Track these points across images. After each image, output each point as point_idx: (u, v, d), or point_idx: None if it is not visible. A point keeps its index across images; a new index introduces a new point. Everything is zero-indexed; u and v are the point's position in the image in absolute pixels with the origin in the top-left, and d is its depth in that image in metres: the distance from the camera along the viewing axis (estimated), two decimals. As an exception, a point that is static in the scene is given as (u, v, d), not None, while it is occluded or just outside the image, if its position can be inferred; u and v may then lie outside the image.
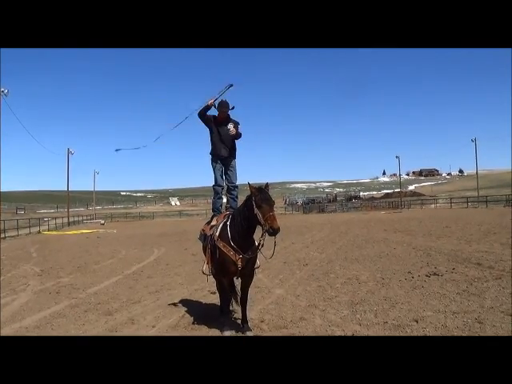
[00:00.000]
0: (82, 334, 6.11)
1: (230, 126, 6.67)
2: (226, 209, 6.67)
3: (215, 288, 6.97)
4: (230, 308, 6.49)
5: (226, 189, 6.86)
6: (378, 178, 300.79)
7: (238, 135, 6.79)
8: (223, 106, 6.61)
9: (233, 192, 6.78)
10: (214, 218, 6.36)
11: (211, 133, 6.73)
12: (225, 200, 6.92)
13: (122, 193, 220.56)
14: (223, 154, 6.68)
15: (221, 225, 5.82)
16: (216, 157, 6.73)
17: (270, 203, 5.17)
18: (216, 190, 6.80)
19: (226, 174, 6.82)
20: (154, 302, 8.16)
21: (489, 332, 5.27)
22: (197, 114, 6.72)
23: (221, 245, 5.57)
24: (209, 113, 6.72)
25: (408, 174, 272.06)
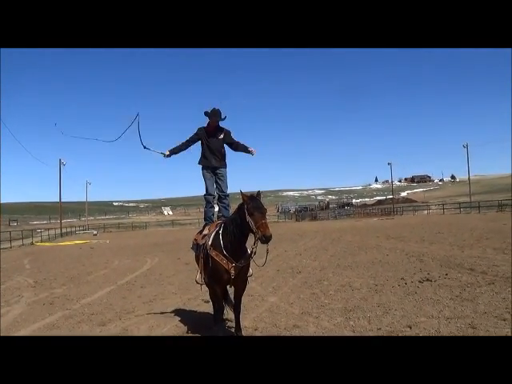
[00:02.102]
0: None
1: (221, 136, 6.67)
2: (218, 218, 6.66)
3: (208, 297, 6.95)
4: (224, 317, 6.47)
5: (217, 198, 6.84)
6: (370, 184, 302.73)
7: (238, 146, 6.82)
8: (215, 114, 6.56)
9: (224, 201, 6.76)
10: (206, 227, 6.32)
11: (201, 143, 6.73)
12: (216, 209, 6.89)
13: (114, 203, 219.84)
14: (214, 164, 6.67)
15: (213, 234, 5.79)
16: (206, 166, 6.74)
17: (262, 211, 5.15)
18: (207, 200, 6.77)
19: (216, 183, 6.79)
20: (147, 311, 8.13)
21: (481, 337, 5.28)
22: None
23: (213, 254, 5.53)
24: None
25: (400, 181, 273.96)
